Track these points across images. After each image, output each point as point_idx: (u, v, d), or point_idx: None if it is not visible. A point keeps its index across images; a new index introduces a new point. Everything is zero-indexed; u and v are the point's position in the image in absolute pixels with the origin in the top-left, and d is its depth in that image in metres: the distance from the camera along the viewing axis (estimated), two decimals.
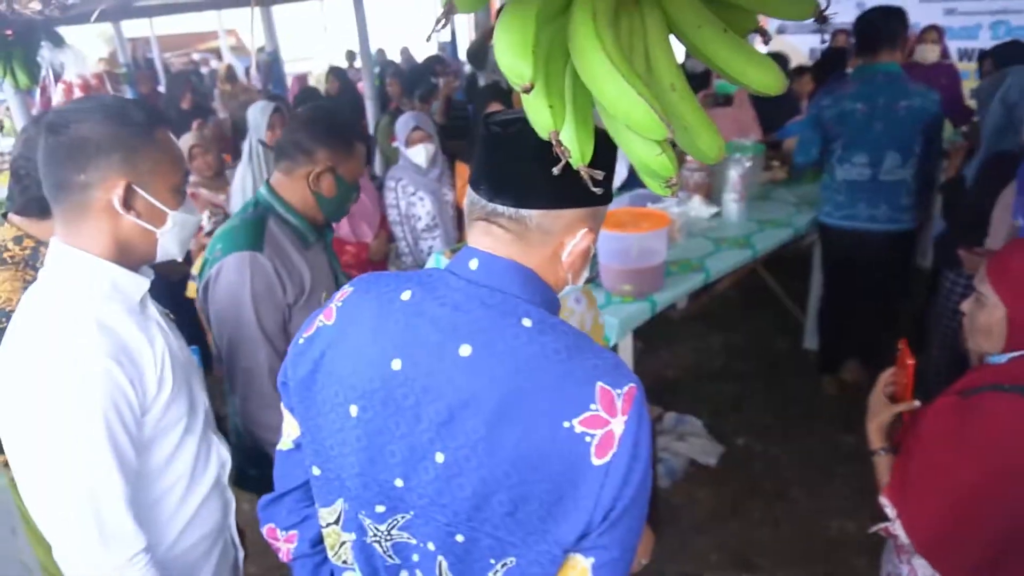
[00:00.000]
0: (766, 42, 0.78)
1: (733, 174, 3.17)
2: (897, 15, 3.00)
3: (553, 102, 0.63)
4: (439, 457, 0.87)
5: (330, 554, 1.06)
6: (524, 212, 0.89)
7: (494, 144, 0.89)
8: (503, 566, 0.90)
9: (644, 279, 2.44)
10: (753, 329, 4.25)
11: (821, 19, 0.77)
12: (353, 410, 0.92)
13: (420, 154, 3.20)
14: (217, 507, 1.36)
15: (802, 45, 7.06)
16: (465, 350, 0.86)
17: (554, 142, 0.65)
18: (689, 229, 3.05)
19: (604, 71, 0.59)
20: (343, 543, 1.03)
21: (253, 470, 1.76)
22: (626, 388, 0.84)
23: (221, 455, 1.38)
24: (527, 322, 0.86)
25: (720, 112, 3.93)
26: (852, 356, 3.56)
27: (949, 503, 1.28)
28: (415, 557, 0.95)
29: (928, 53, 4.65)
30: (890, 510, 1.37)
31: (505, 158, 0.88)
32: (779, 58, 4.97)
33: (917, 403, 1.45)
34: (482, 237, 0.92)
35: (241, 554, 1.48)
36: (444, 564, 0.93)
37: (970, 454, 1.25)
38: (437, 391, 0.86)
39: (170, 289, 2.99)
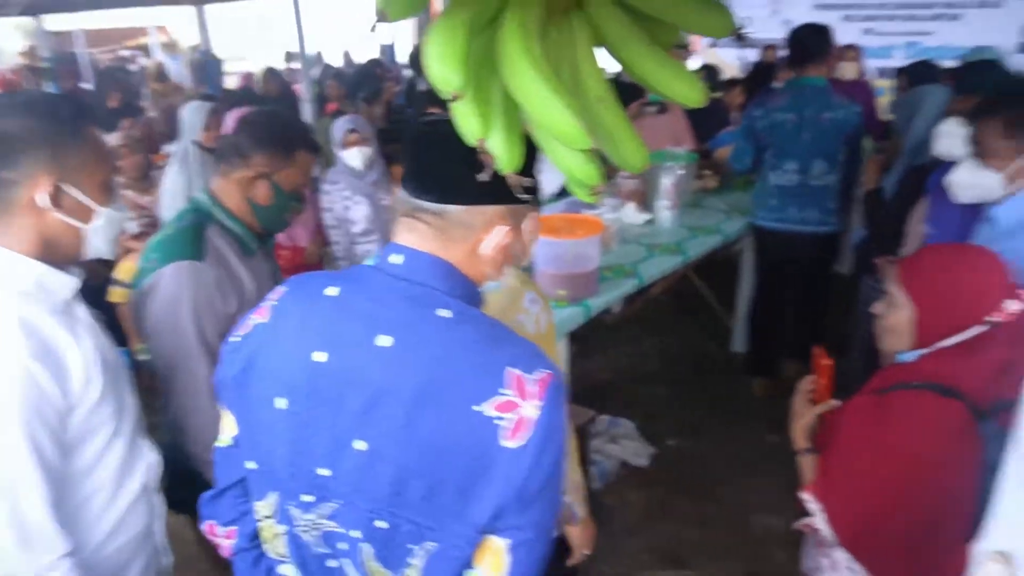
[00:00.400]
0: (686, 57, 0.82)
1: (666, 182, 3.26)
2: (824, 33, 3.20)
3: (482, 111, 0.65)
4: (360, 445, 0.90)
5: (266, 548, 1.09)
6: (446, 208, 0.91)
7: (420, 143, 0.93)
8: (424, 551, 0.92)
9: (578, 284, 2.49)
10: (684, 333, 4.37)
11: (739, 37, 0.81)
12: (281, 403, 0.94)
13: (356, 157, 3.17)
14: (144, 511, 1.34)
15: (733, 58, 7.32)
16: (385, 341, 0.89)
17: (480, 150, 0.67)
18: (623, 235, 3.12)
19: (531, 82, 0.62)
20: (277, 536, 1.05)
21: (184, 491, 1.67)
22: (540, 374, 0.87)
23: (149, 459, 1.35)
24: (445, 313, 0.90)
25: (654, 121, 4.02)
26: (783, 356, 3.73)
27: (869, 497, 1.34)
28: (342, 545, 0.97)
29: (847, 70, 4.90)
30: (813, 506, 1.42)
31: (429, 157, 0.92)
32: (710, 70, 5.14)
33: (836, 403, 1.52)
34: (406, 233, 0.95)
35: (169, 560, 1.45)
36: (369, 551, 0.95)
37: (886, 449, 1.32)
38: (358, 381, 0.89)
39: (92, 293, 2.87)
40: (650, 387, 3.80)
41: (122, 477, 1.28)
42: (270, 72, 6.18)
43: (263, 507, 1.05)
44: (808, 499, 1.44)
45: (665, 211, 3.29)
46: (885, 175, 2.87)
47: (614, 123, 0.76)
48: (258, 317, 1.00)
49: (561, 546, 1.69)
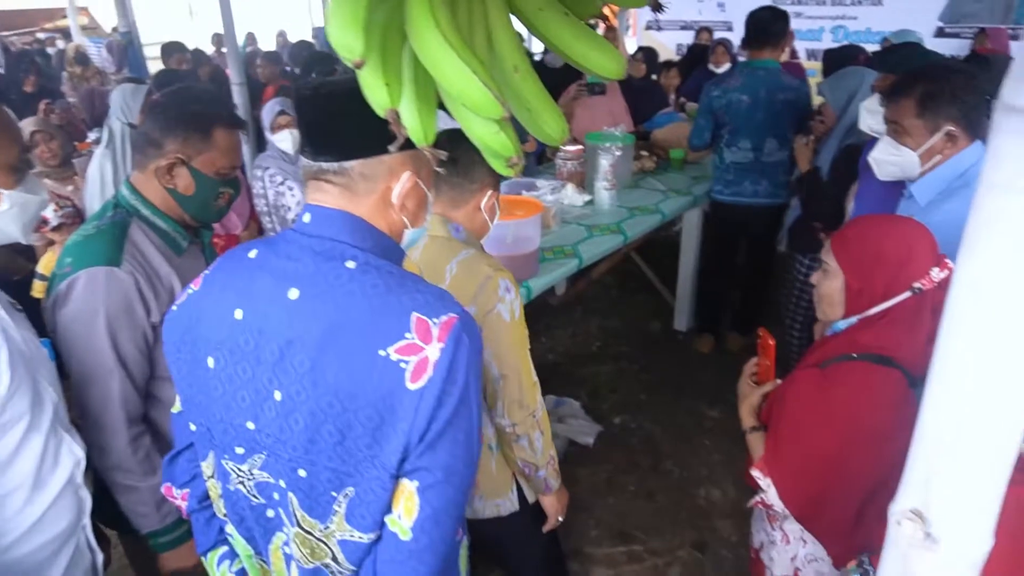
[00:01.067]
0: (608, 29, 0.80)
1: (604, 163, 3.27)
2: (783, 17, 3.33)
3: (389, 80, 0.63)
4: (277, 395, 0.93)
5: (215, 508, 1.14)
6: (346, 164, 0.94)
7: (308, 106, 0.94)
8: (344, 497, 0.95)
9: (519, 265, 2.47)
10: (628, 313, 4.42)
11: (656, 7, 0.80)
12: (210, 362, 0.98)
13: (286, 140, 3.06)
14: (70, 507, 1.28)
15: (670, 41, 7.40)
16: (293, 293, 0.92)
17: (391, 120, 0.64)
18: (563, 216, 3.12)
19: (439, 50, 0.59)
20: (219, 495, 1.10)
21: (109, 506, 1.58)
22: (444, 318, 0.90)
23: (75, 453, 1.29)
24: (351, 264, 0.93)
25: (593, 102, 4.03)
26: (726, 327, 3.92)
27: (817, 468, 1.36)
28: (275, 496, 1.01)
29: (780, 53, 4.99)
30: (763, 481, 1.45)
31: (319, 118, 0.94)
32: (648, 52, 5.17)
33: (780, 381, 1.56)
34: (315, 194, 0.98)
35: (100, 557, 1.39)
36: (295, 500, 0.99)
37: (830, 421, 1.34)
38: (271, 333, 0.93)
39: (14, 288, 2.71)
40: (595, 366, 3.84)
41: (42, 473, 1.22)
42: (197, 55, 5.94)
43: (206, 467, 1.10)
44: (758, 475, 1.46)
45: (604, 192, 3.30)
46: (816, 155, 2.94)
47: (532, 94, 0.74)
48: (193, 287, 1.05)
49: (538, 514, 1.76)
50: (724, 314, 3.95)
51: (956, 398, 0.56)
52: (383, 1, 0.63)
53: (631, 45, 6.84)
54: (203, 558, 1.21)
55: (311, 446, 0.93)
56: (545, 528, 1.79)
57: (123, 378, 1.45)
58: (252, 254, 1.00)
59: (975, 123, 1.79)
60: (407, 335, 0.88)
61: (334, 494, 0.96)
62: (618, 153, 3.33)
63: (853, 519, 1.35)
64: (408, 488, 0.93)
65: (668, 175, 3.84)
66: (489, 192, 1.59)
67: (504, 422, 1.55)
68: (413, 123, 0.71)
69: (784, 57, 5.01)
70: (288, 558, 1.06)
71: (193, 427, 1.07)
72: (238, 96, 3.83)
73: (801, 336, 3.10)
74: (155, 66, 6.12)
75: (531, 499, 1.73)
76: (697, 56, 5.83)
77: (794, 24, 6.31)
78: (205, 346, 0.99)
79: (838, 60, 3.53)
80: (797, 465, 1.40)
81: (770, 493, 1.44)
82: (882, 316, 1.37)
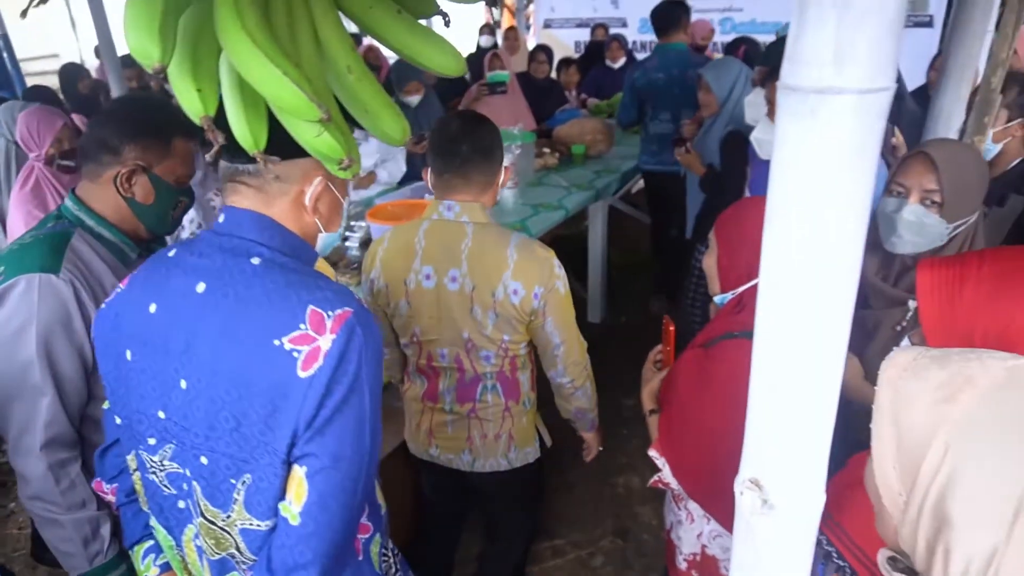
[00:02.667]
0: (447, 25, 0.81)
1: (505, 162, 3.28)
2: (681, 5, 3.81)
3: (202, 86, 0.60)
4: (183, 384, 0.97)
5: (140, 500, 1.17)
6: (260, 166, 0.95)
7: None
8: (243, 484, 0.98)
9: None
10: None
11: (492, 2, 0.80)
12: (128, 355, 1.02)
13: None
14: None
15: (568, 39, 7.51)
16: (200, 287, 0.96)
17: (206, 127, 0.62)
18: None
19: (247, 52, 0.57)
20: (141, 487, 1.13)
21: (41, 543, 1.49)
22: (339, 311, 0.94)
23: None
24: (255, 260, 0.97)
25: (494, 101, 4.05)
26: (662, 289, 4.27)
27: (706, 447, 1.39)
28: (184, 487, 1.04)
29: None
30: (660, 462, 1.48)
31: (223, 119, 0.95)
32: (545, 50, 5.23)
33: None
34: (231, 195, 1.00)
35: None
36: (199, 488, 1.02)
37: (715, 399, 1.38)
38: (178, 325, 0.97)
39: None
40: None
41: None
42: (71, 69, 5.57)
43: (132, 460, 1.13)
44: (655, 455, 1.50)
45: (507, 191, 3.32)
46: (701, 139, 3.07)
47: (368, 94, 0.73)
48: (121, 285, 1.07)
49: (539, 472, 2.02)
50: (674, 263, 4.21)
51: (776, 372, 0.59)
52: (188, 3, 0.60)
53: (530, 43, 6.91)
54: (130, 552, 1.22)
55: (211, 432, 0.96)
56: (589, 458, 2.18)
57: (53, 398, 1.34)
58: (171, 253, 1.04)
59: None
60: (301, 326, 0.92)
61: (233, 481, 0.98)
62: (518, 151, 3.36)
63: None
64: (298, 474, 0.95)
65: (570, 171, 3.89)
66: (503, 169, 1.76)
67: (564, 380, 1.82)
68: (242, 130, 0.68)
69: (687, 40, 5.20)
70: (199, 551, 1.08)
71: (118, 420, 1.10)
72: None
73: (703, 321, 3.21)
74: (34, 81, 5.74)
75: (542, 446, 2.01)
76: (594, 53, 5.95)
77: (698, 16, 6.56)
78: (123, 340, 1.03)
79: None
80: (686, 443, 1.44)
81: (666, 472, 1.48)
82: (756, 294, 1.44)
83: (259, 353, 0.92)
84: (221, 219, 1.01)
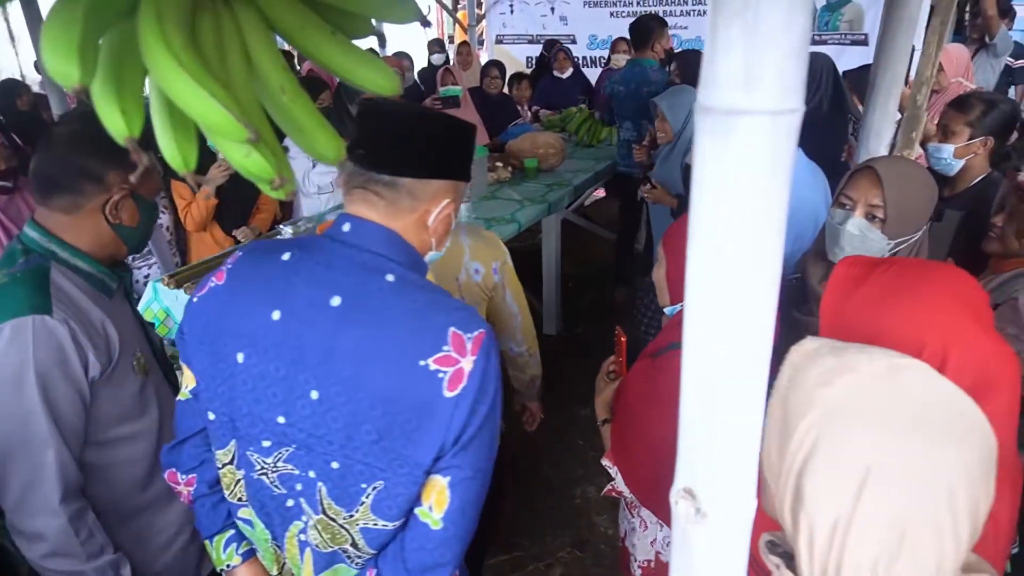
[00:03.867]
0: (382, 45, 0.81)
1: None
2: (655, 19, 4.18)
3: (126, 107, 0.59)
4: (314, 395, 1.00)
5: (227, 493, 1.19)
6: (397, 180, 1.02)
7: (372, 118, 1.01)
8: (374, 489, 1.03)
9: None
10: None
11: (424, 23, 0.81)
12: (240, 357, 1.03)
13: None
14: None
15: (520, 54, 7.60)
16: (335, 301, 0.99)
17: (131, 148, 0.61)
18: None
19: (171, 73, 0.57)
20: (238, 481, 1.15)
21: None
22: (476, 333, 1.00)
23: None
24: (390, 277, 1.00)
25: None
26: (621, 280, 4.59)
27: (655, 455, 1.42)
28: (298, 486, 1.08)
29: (622, 61, 5.25)
30: (612, 471, 1.50)
31: (386, 132, 1.01)
32: (497, 65, 5.27)
33: None
34: (358, 203, 1.04)
35: None
36: (324, 489, 1.06)
37: (659, 407, 1.40)
38: (311, 337, 0.99)
39: None
40: None
41: None
42: (8, 84, 5.39)
43: (223, 455, 1.14)
44: (607, 464, 1.52)
45: (460, 205, 3.32)
46: (656, 167, 3.12)
47: (302, 114, 0.73)
48: (216, 280, 1.08)
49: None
50: (632, 261, 4.61)
51: (703, 384, 0.61)
52: (114, 22, 0.60)
53: (483, 58, 6.96)
54: (208, 542, 1.24)
55: (348, 442, 1.00)
56: (532, 427, 2.35)
57: (60, 445, 1.24)
58: (286, 256, 1.04)
59: None
60: (444, 348, 0.97)
61: (363, 486, 1.03)
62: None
63: None
64: (440, 483, 1.01)
65: (524, 185, 3.92)
66: None
67: (522, 349, 2.00)
68: (171, 152, 0.67)
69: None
70: (303, 545, 1.14)
71: (212, 416, 1.11)
72: None
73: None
74: None
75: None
76: (544, 66, 6.04)
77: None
78: (234, 341, 1.03)
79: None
80: (636, 452, 1.46)
81: (618, 481, 1.50)
82: None
83: (405, 373, 0.96)
84: (346, 228, 1.03)
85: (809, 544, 0.73)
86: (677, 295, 1.51)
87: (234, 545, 1.23)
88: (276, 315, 1.01)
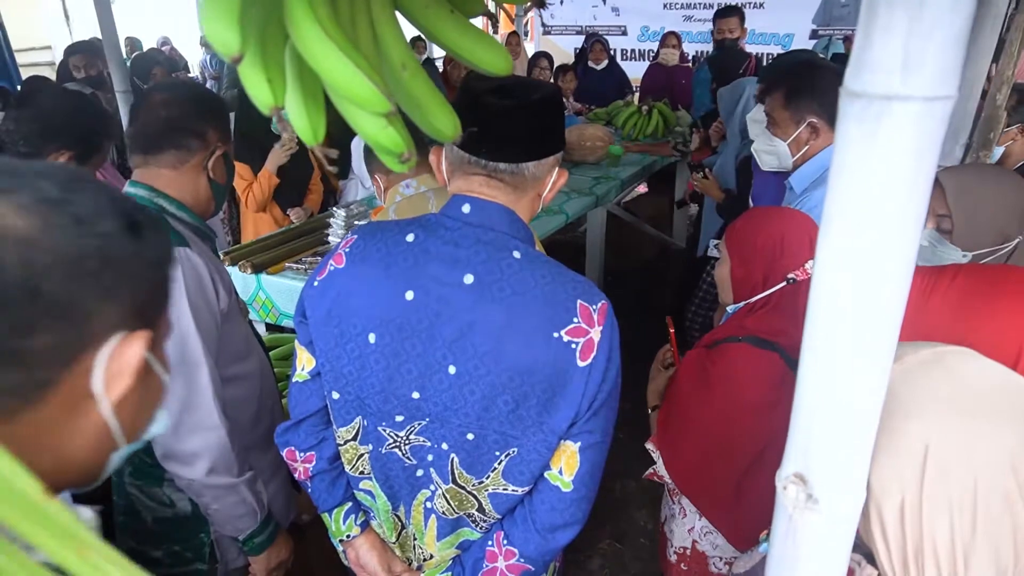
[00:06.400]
0: (494, 27, 0.83)
1: None
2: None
3: (272, 76, 0.61)
4: (451, 369, 1.05)
5: (348, 468, 1.24)
6: (522, 165, 1.06)
7: (491, 114, 1.03)
8: (507, 456, 1.09)
9: None
10: None
11: (540, 4, 0.82)
12: (372, 337, 1.07)
13: None
14: None
15: (568, 45, 7.56)
16: (468, 279, 1.03)
17: (276, 118, 0.63)
18: None
19: (320, 44, 0.58)
20: (361, 456, 1.20)
21: (156, 551, 1.46)
22: (600, 304, 1.06)
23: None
24: (517, 254, 1.05)
25: None
26: None
27: (699, 441, 1.44)
28: (429, 457, 1.13)
29: (669, 57, 5.21)
30: (654, 454, 1.52)
31: (502, 125, 1.04)
32: (546, 57, 5.27)
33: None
34: (483, 188, 1.07)
35: None
36: (456, 460, 1.11)
37: (712, 397, 1.42)
38: (447, 315, 1.03)
39: None
40: None
41: None
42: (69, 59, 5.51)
43: (346, 432, 1.19)
44: (651, 448, 1.54)
45: None
46: (713, 155, 3.09)
47: (421, 91, 0.74)
48: (335, 263, 1.12)
49: None
50: None
51: (825, 369, 0.61)
52: None
53: (529, 50, 6.95)
54: (327, 515, 1.28)
55: (484, 413, 1.05)
56: None
57: (212, 367, 1.34)
58: (410, 238, 1.08)
59: (836, 116, 1.96)
60: (575, 320, 1.03)
61: (497, 453, 1.09)
62: None
63: (733, 493, 1.42)
64: (571, 448, 1.08)
65: (570, 177, 3.90)
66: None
67: None
68: (301, 122, 0.69)
69: (674, 61, 5.25)
70: (428, 512, 1.20)
71: (336, 395, 1.15)
72: (123, 104, 3.61)
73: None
74: (28, 72, 5.69)
75: None
76: (580, 57, 6.03)
77: (684, 27, 6.62)
78: (365, 322, 1.07)
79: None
80: (680, 438, 1.48)
81: (659, 465, 1.51)
82: (765, 302, 1.46)
83: (541, 344, 1.02)
84: (466, 209, 1.07)
85: (883, 534, 0.74)
86: (743, 293, 1.50)
87: (353, 516, 1.28)
88: (410, 295, 1.05)
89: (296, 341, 1.21)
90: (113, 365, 0.54)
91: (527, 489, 1.13)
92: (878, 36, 0.49)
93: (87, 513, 0.50)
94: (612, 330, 1.07)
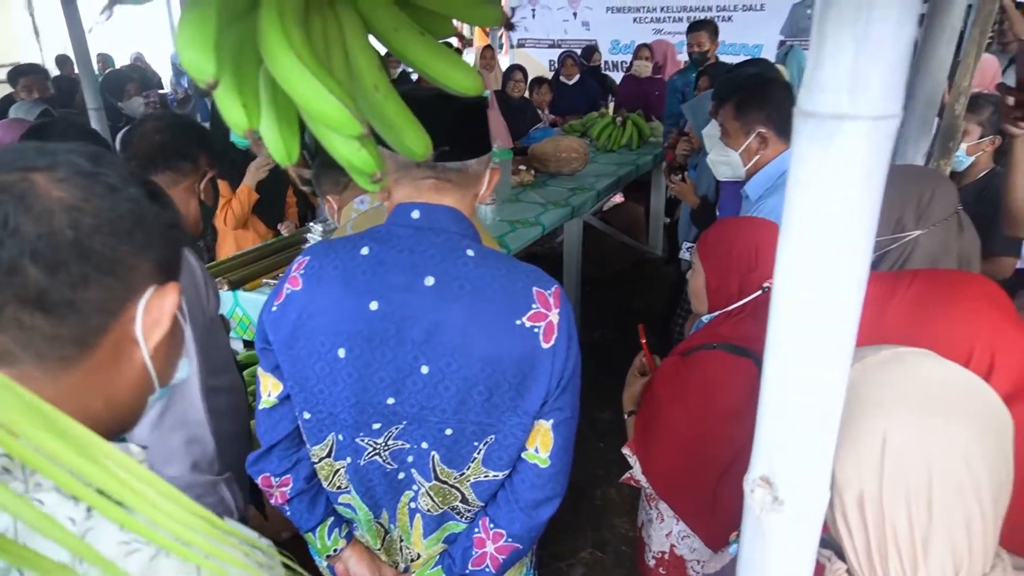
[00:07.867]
0: (462, 47, 0.85)
1: None
2: None
3: (246, 101, 0.63)
4: (424, 369, 1.08)
5: (325, 484, 1.25)
6: (466, 163, 1.10)
7: (440, 112, 0.99)
8: (485, 444, 1.13)
9: None
10: None
11: (509, 26, 0.84)
12: (341, 352, 1.09)
13: None
14: None
15: (542, 58, 7.64)
16: (429, 281, 1.07)
17: (251, 140, 0.64)
18: None
19: (293, 69, 0.60)
20: (336, 471, 1.21)
21: None
22: (553, 288, 1.12)
23: None
24: (470, 252, 1.09)
25: None
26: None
27: (676, 447, 1.45)
28: (410, 458, 1.16)
29: (643, 69, 5.28)
30: (631, 459, 1.54)
31: (449, 126, 1.05)
32: (521, 69, 5.31)
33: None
34: (430, 193, 1.11)
35: None
36: (436, 456, 1.14)
37: (688, 404, 1.44)
38: (414, 318, 1.07)
39: None
40: None
41: None
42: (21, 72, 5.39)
43: (319, 450, 1.20)
44: (627, 453, 1.56)
45: (485, 207, 3.35)
46: (687, 172, 3.16)
47: (393, 111, 0.76)
48: (291, 286, 1.12)
49: None
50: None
51: (787, 374, 0.63)
52: (235, 21, 0.63)
53: (503, 63, 7.00)
54: (311, 535, 1.28)
55: (460, 407, 1.09)
56: None
57: (200, 363, 1.37)
58: (364, 251, 1.10)
59: (785, 127, 2.02)
60: (533, 305, 1.08)
61: (475, 443, 1.13)
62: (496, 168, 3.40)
63: (710, 497, 1.45)
64: (544, 426, 1.14)
65: (547, 188, 3.95)
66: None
67: None
68: (276, 144, 0.71)
69: (646, 73, 5.32)
70: (413, 512, 1.22)
71: (308, 415, 1.16)
72: (96, 122, 3.58)
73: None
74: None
75: None
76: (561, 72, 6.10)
77: (663, 37, 6.72)
78: (332, 339, 1.09)
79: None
80: (657, 443, 1.50)
81: (636, 469, 1.53)
82: (740, 310, 1.50)
83: (506, 333, 1.06)
84: (416, 215, 1.09)
85: (847, 526, 0.77)
86: (719, 303, 1.53)
87: (337, 530, 1.29)
88: (374, 305, 1.07)
89: (259, 368, 1.21)
90: (151, 314, 0.62)
91: (507, 473, 1.17)
92: (828, 58, 0.52)
93: (135, 449, 0.61)
94: (568, 311, 1.12)
